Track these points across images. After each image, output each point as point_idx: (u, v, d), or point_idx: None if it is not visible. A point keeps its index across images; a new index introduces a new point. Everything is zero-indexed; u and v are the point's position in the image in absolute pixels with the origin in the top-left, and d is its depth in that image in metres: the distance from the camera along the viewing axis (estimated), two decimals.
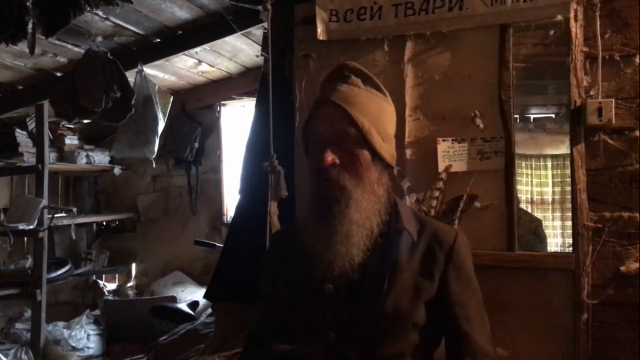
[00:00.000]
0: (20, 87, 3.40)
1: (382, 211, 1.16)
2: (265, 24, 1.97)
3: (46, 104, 3.35)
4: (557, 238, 2.26)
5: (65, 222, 3.71)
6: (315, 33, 1.85)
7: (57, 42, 2.78)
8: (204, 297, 2.30)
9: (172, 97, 3.67)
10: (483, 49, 1.72)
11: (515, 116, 1.77)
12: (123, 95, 2.83)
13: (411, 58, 1.80)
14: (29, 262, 3.55)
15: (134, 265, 4.46)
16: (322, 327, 1.13)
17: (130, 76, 3.06)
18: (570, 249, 1.65)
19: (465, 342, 1.12)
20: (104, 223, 4.56)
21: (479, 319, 1.16)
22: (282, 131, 1.87)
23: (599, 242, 1.59)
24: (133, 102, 2.89)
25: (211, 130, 4.22)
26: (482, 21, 1.70)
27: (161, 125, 3.45)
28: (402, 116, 1.73)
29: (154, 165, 3.84)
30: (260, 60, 2.40)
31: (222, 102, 4.15)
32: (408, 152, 1.77)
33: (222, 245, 2.52)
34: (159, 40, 3.00)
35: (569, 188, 1.65)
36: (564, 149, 2.01)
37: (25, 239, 3.77)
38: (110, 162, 4.16)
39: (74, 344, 3.41)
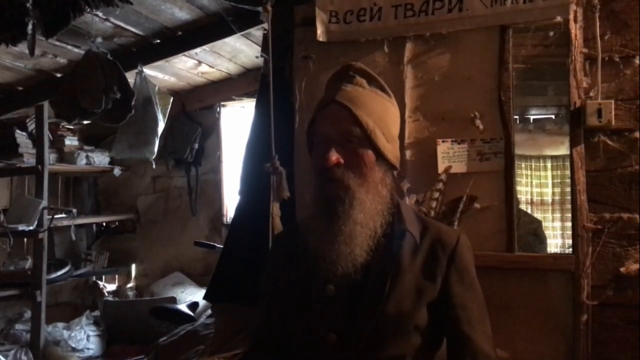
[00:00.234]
0: (20, 88, 3.40)
1: (385, 212, 1.16)
2: (265, 25, 1.98)
3: (46, 105, 3.35)
4: (557, 239, 2.26)
5: (65, 223, 3.71)
6: (315, 34, 1.85)
7: (57, 43, 2.78)
8: (204, 298, 2.30)
9: (172, 98, 3.67)
10: (483, 50, 1.72)
11: (515, 117, 1.77)
12: (123, 96, 2.82)
13: (411, 59, 1.80)
14: (28, 263, 3.55)
15: (133, 266, 4.46)
16: (323, 328, 1.13)
17: (130, 77, 3.06)
18: (570, 250, 1.65)
19: (466, 344, 1.12)
20: (104, 224, 4.56)
21: (480, 321, 1.16)
22: (282, 132, 1.87)
23: (598, 243, 1.59)
24: (133, 103, 2.89)
25: (211, 131, 4.22)
26: (482, 22, 1.70)
27: (161, 126, 3.45)
28: (402, 117, 1.73)
29: (153, 166, 3.83)
30: (260, 61, 2.41)
31: (222, 103, 4.15)
32: (408, 153, 1.78)
33: (222, 246, 2.52)
34: (158, 41, 3.00)
35: (568, 189, 1.65)
36: (563, 150, 2.01)
37: (25, 239, 3.76)
38: (110, 163, 4.16)
39: (73, 345, 3.41)
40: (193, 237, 3.97)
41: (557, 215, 2.35)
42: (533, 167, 2.42)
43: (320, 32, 1.85)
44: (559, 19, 1.62)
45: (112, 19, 2.64)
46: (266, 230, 1.76)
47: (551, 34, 1.72)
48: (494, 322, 1.22)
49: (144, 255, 4.44)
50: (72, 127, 3.92)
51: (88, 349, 3.47)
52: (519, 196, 1.98)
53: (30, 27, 2.16)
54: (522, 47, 1.78)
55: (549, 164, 2.40)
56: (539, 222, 2.19)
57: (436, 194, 1.69)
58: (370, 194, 1.13)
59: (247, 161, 2.15)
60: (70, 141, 3.94)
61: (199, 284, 4.02)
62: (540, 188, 2.42)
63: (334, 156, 1.11)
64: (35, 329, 3.27)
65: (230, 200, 4.18)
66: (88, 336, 3.52)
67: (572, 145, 1.62)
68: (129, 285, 4.34)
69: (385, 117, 1.18)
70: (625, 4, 1.60)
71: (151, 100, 3.33)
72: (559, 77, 1.77)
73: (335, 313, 1.13)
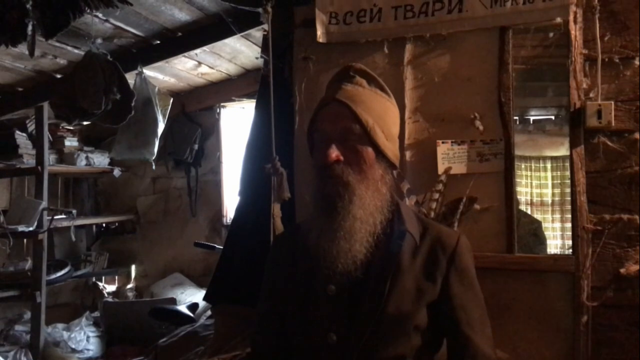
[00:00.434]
0: (20, 89, 3.40)
1: (385, 209, 1.16)
2: (265, 26, 1.98)
3: (46, 106, 3.35)
4: (557, 240, 2.26)
5: (65, 223, 3.71)
6: (315, 35, 1.85)
7: (57, 44, 2.78)
8: (204, 299, 2.30)
9: (171, 99, 3.67)
10: (482, 51, 1.72)
11: (515, 118, 1.77)
12: (123, 97, 2.82)
13: (411, 60, 1.80)
14: (28, 264, 3.55)
15: (133, 267, 4.46)
16: (324, 329, 1.13)
17: (130, 78, 3.06)
18: (570, 251, 1.65)
19: (466, 345, 1.12)
20: (104, 225, 4.56)
21: (480, 322, 1.16)
22: (282, 133, 1.87)
23: (598, 244, 1.59)
24: (133, 104, 2.89)
25: (211, 132, 4.22)
26: (482, 23, 1.70)
27: (161, 127, 3.45)
28: (402, 118, 1.73)
29: (153, 167, 3.84)
30: (260, 62, 2.41)
31: (222, 104, 4.16)
32: (407, 154, 1.78)
33: (221, 247, 2.52)
34: (158, 42, 3.00)
35: (568, 190, 1.65)
36: (563, 151, 2.01)
37: (25, 240, 3.76)
38: (110, 163, 4.17)
39: (73, 346, 3.41)
40: (193, 238, 3.98)
41: (557, 216, 2.35)
42: (533, 168, 2.42)
43: (320, 33, 1.85)
44: (558, 20, 1.62)
45: (112, 20, 2.64)
46: (266, 231, 1.76)
47: (551, 35, 1.72)
48: (494, 323, 1.22)
49: (143, 256, 4.44)
50: (72, 128, 3.92)
51: (88, 350, 3.47)
52: (518, 197, 1.98)
53: (30, 28, 2.16)
54: (522, 48, 1.78)
55: (548, 165, 2.40)
56: (538, 223, 2.19)
57: (436, 195, 1.69)
58: (369, 191, 1.13)
59: (247, 162, 2.15)
60: (70, 142, 3.94)
61: (199, 284, 4.02)
62: (540, 189, 2.42)
63: (334, 153, 1.11)
64: (35, 329, 3.27)
65: (230, 201, 4.18)
66: (88, 337, 3.52)
67: (572, 146, 1.62)
68: (129, 286, 4.34)
69: (385, 115, 1.19)
70: (625, 5, 1.61)
71: (151, 101, 3.33)
72: (558, 78, 1.78)
73: (336, 313, 1.13)
